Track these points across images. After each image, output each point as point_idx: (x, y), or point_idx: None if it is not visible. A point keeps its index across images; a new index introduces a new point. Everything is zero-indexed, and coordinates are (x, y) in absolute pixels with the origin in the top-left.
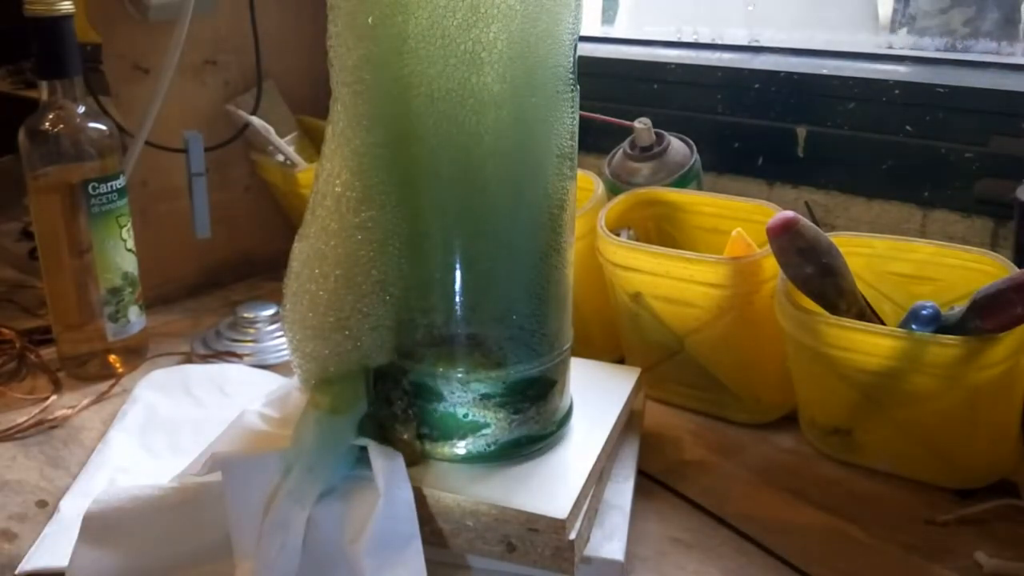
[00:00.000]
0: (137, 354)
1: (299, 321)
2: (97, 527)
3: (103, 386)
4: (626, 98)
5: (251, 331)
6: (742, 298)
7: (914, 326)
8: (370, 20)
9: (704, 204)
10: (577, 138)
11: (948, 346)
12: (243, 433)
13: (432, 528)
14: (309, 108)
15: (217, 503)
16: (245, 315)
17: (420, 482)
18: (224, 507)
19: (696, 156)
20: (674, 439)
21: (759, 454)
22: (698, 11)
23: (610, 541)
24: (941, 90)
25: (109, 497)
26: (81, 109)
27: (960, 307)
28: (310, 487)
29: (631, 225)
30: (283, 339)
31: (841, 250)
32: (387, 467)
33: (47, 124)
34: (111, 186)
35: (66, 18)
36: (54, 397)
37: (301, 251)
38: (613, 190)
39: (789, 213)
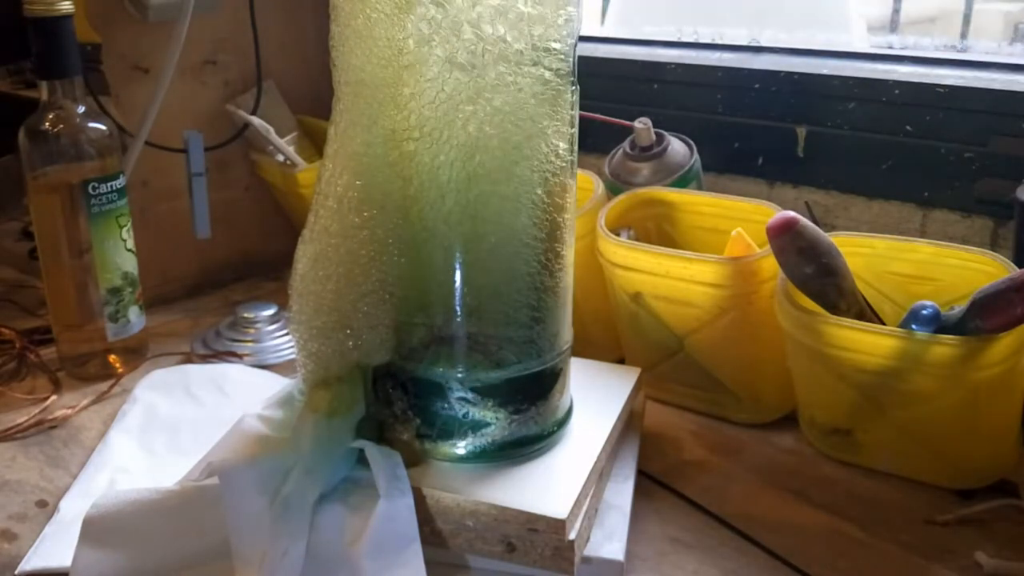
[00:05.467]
0: (137, 354)
1: (305, 322)
2: (96, 531)
3: (103, 386)
4: (626, 98)
5: (251, 331)
6: (742, 298)
7: (914, 326)
8: (372, 18)
9: (704, 204)
10: (577, 138)
11: (948, 346)
12: (242, 438)
13: (432, 528)
14: (309, 108)
15: (216, 505)
16: (245, 315)
17: (420, 482)
18: (223, 512)
19: (696, 156)
20: (674, 439)
21: (759, 454)
22: (688, 10)
23: (610, 541)
24: (941, 90)
25: (107, 501)
26: (81, 109)
27: (960, 307)
28: (309, 490)
29: (631, 225)
30: (283, 339)
31: (841, 250)
32: (386, 468)
33: (47, 124)
34: (111, 186)
35: (66, 18)
36: (54, 397)
37: (305, 252)
38: (613, 190)
39: (789, 213)
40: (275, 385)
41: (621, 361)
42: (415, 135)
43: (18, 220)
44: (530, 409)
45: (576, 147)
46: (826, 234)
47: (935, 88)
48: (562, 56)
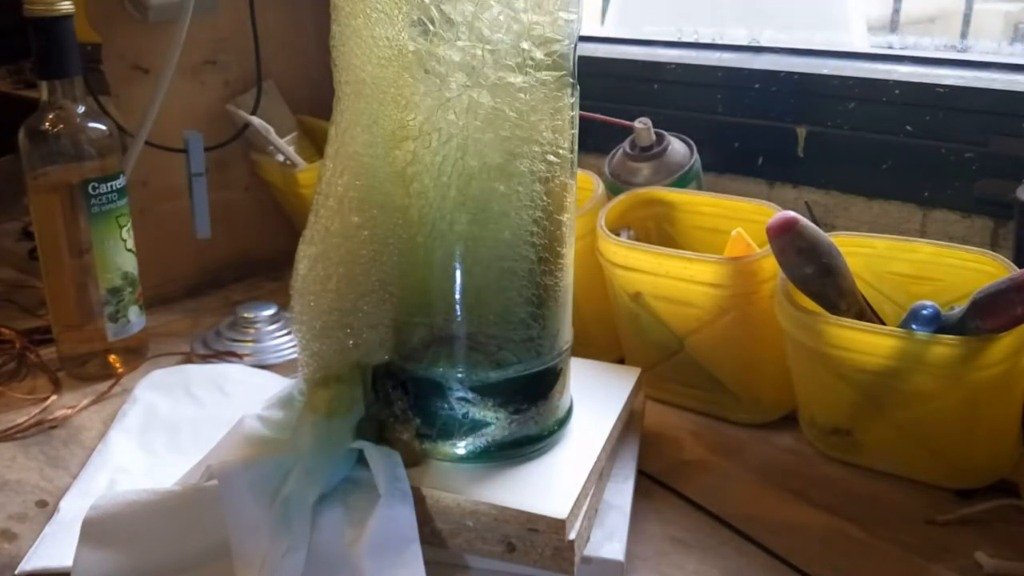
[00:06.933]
0: (137, 354)
1: (307, 322)
2: (96, 531)
3: (103, 386)
4: (626, 98)
5: (251, 331)
6: (742, 298)
7: (914, 326)
8: (372, 18)
9: (704, 204)
10: (577, 138)
11: (948, 346)
12: (242, 439)
13: (432, 528)
14: (309, 108)
15: (216, 506)
16: (245, 315)
17: (420, 482)
18: (223, 515)
19: (696, 156)
20: (674, 439)
21: (759, 454)
22: (688, 10)
23: (610, 541)
24: (941, 90)
25: (107, 502)
26: (81, 109)
27: (960, 307)
28: (309, 491)
29: (631, 225)
30: (283, 339)
31: (841, 250)
32: (386, 468)
33: (47, 124)
34: (111, 186)
35: (66, 18)
36: (54, 397)
37: (306, 252)
38: (613, 190)
39: (789, 213)
40: (275, 385)
41: (621, 361)
42: (415, 135)
43: (18, 220)
44: (530, 409)
45: (576, 147)
46: (826, 234)
47: (935, 88)
48: (562, 56)
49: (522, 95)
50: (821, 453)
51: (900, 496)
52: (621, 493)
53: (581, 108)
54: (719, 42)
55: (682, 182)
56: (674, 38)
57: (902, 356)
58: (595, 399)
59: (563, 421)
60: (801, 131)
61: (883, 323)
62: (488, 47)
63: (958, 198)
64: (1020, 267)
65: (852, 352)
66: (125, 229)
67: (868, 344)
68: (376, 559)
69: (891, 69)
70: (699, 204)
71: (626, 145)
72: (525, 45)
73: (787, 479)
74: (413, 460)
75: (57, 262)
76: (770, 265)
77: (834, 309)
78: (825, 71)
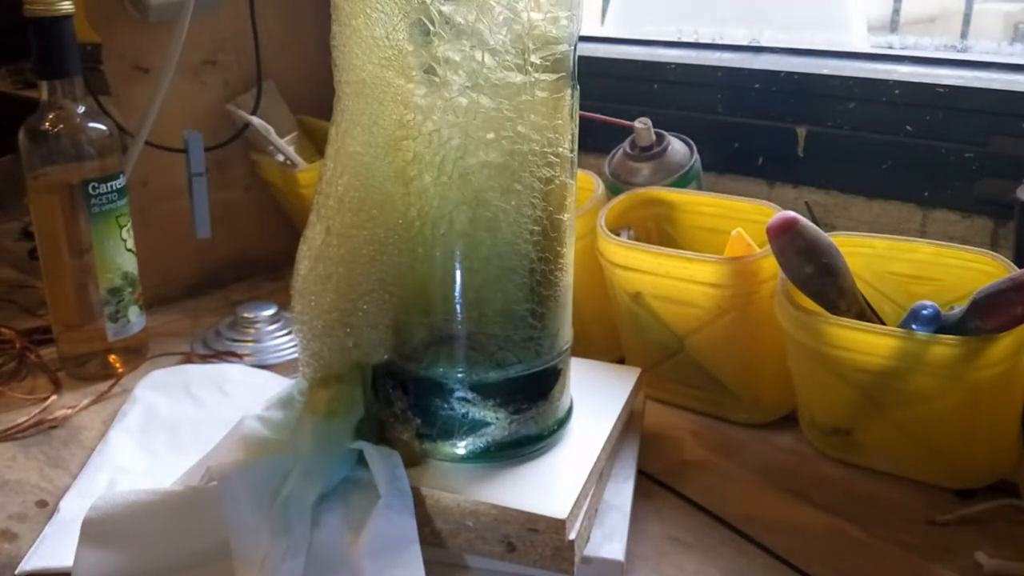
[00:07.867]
0: (137, 354)
1: (307, 322)
2: (96, 532)
3: (103, 386)
4: (626, 98)
5: (251, 331)
6: (742, 298)
7: (914, 326)
8: (372, 18)
9: (704, 204)
10: (577, 138)
11: (948, 346)
12: (241, 440)
13: (431, 528)
14: (309, 108)
15: (216, 506)
16: (245, 315)
17: (420, 482)
18: (222, 516)
19: (696, 156)
20: (674, 439)
21: (759, 454)
22: (688, 10)
23: (610, 541)
24: (941, 90)
25: (106, 502)
26: (81, 109)
27: (960, 307)
28: (309, 492)
29: (631, 225)
30: (283, 339)
31: (841, 250)
32: (385, 469)
33: (47, 124)
34: (111, 186)
35: (66, 18)
36: (54, 397)
37: (306, 252)
38: (613, 190)
39: (789, 213)
40: (275, 385)
41: (621, 361)
42: (415, 135)
43: (18, 220)
44: (530, 409)
45: (576, 147)
46: (826, 234)
47: (935, 88)
48: (562, 57)
49: (522, 95)
50: (821, 453)
51: (900, 496)
52: (621, 493)
53: (581, 108)
54: (719, 42)
55: (682, 182)
56: (674, 38)
57: (902, 356)
58: (595, 399)
59: (563, 421)
60: (801, 131)
61: (883, 323)
62: (488, 47)
63: (958, 198)
64: (1020, 267)
65: (852, 352)
66: (125, 229)
67: (868, 344)
68: (376, 559)
69: (891, 69)
70: (699, 204)
71: (626, 145)
72: (525, 45)
73: (787, 479)
74: (413, 460)
75: (57, 262)
76: (770, 265)
77: (834, 309)
78: (825, 71)
